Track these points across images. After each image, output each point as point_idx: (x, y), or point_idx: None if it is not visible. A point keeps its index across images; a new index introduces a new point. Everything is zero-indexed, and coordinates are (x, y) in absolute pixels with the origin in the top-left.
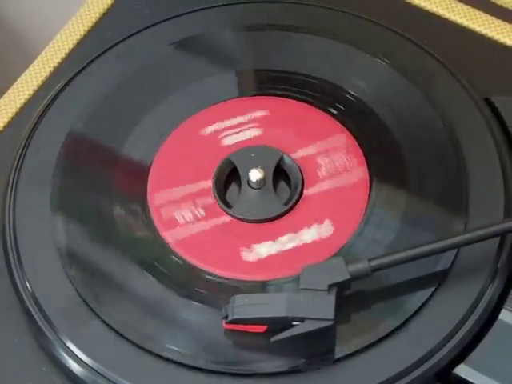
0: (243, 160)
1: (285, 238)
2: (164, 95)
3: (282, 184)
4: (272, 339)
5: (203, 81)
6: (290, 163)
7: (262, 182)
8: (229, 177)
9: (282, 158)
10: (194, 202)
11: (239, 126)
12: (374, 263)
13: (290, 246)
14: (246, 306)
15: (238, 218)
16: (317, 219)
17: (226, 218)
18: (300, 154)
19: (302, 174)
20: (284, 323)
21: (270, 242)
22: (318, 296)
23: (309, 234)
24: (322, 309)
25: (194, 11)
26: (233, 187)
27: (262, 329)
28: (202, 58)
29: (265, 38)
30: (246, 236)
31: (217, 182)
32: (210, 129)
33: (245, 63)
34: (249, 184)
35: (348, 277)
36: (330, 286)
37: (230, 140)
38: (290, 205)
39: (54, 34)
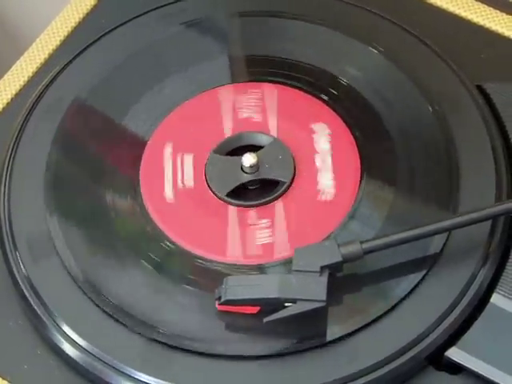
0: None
1: (318, 160)
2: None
3: None
4: (264, 320)
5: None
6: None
7: (256, 166)
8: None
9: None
10: (251, 224)
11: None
12: (365, 246)
13: (329, 161)
14: (238, 287)
15: (283, 193)
16: (308, 132)
17: (279, 203)
18: (228, 129)
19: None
20: (276, 304)
21: (319, 174)
22: (310, 278)
23: (322, 142)
24: (314, 290)
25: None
26: None
27: (254, 310)
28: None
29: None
30: (305, 191)
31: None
32: (169, 192)
33: (234, 49)
34: (244, 171)
35: (340, 259)
36: (322, 268)
37: (188, 181)
38: (284, 148)
39: (46, 24)
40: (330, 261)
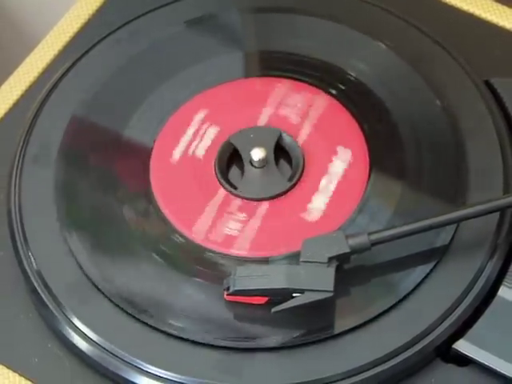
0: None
1: (323, 182)
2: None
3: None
4: (272, 310)
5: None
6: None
7: (264, 161)
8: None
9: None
10: (228, 212)
11: (197, 135)
12: (373, 237)
13: (332, 186)
14: (247, 278)
15: (274, 197)
16: (331, 153)
17: (265, 205)
18: (263, 119)
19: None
20: (284, 295)
21: (316, 194)
22: (318, 268)
23: (337, 166)
24: (322, 281)
25: None
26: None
27: (262, 300)
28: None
29: (262, 20)
30: (295, 204)
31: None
32: (177, 153)
33: (244, 45)
34: (251, 164)
35: (347, 250)
36: (330, 259)
37: (200, 151)
38: (301, 158)
39: (55, 21)
40: (337, 252)
